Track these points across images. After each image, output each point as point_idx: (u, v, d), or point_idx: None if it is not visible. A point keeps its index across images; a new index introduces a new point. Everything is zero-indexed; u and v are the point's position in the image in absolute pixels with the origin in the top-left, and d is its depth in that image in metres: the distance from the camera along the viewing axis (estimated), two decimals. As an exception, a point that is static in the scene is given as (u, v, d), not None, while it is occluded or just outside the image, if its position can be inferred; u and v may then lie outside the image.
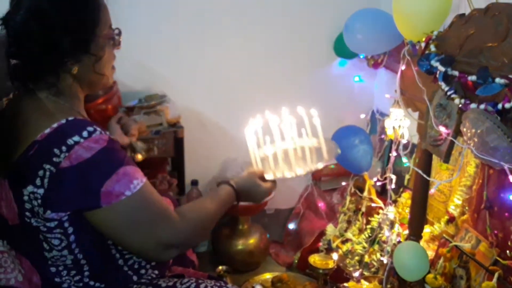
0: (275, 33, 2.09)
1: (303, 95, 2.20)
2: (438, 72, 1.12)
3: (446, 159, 1.12)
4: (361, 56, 2.09)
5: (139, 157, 1.48)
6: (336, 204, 2.20)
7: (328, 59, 2.19)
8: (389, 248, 1.65)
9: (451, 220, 1.62)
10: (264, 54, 2.10)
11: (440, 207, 1.73)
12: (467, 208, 1.55)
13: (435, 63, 1.13)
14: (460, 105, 1.04)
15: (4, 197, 1.07)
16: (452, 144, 1.11)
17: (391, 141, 2.08)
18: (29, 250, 1.09)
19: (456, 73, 1.06)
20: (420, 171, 1.28)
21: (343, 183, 2.09)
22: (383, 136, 2.15)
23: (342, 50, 2.08)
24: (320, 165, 1.45)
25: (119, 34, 1.16)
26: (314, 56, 2.17)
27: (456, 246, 1.43)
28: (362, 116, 2.24)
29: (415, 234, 1.50)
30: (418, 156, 1.45)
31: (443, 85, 1.09)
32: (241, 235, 2.08)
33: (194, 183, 2.07)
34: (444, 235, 1.52)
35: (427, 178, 1.23)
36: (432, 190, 1.16)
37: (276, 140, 1.50)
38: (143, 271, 1.16)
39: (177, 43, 1.98)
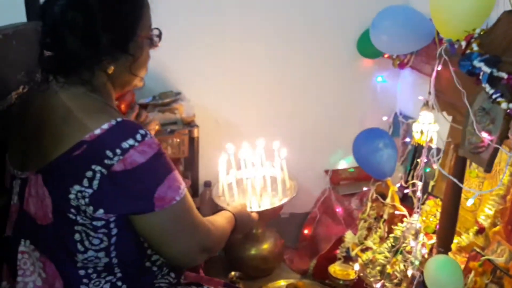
0: (296, 31, 2.00)
1: (323, 95, 2.14)
2: (481, 74, 1.03)
3: (488, 168, 1.03)
4: (386, 56, 2.00)
5: None
6: (354, 209, 2.11)
7: (350, 58, 2.10)
8: (413, 259, 1.56)
9: (481, 231, 1.53)
10: (284, 52, 2.01)
11: (468, 216, 1.64)
12: (499, 219, 1.46)
13: (478, 64, 1.04)
14: (508, 110, 0.95)
15: (34, 194, 1.02)
16: (495, 151, 1.02)
17: (415, 146, 2.00)
18: (57, 252, 1.04)
19: (503, 74, 0.98)
20: (455, 180, 1.19)
21: (364, 188, 2.00)
22: (406, 140, 2.06)
23: (366, 48, 2.00)
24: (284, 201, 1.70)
25: (159, 35, 1.12)
26: (336, 55, 2.08)
27: (488, 260, 1.34)
28: (384, 118, 2.15)
29: (444, 245, 1.41)
30: (452, 163, 1.36)
31: (487, 87, 1.00)
32: (254, 239, 2.00)
33: (208, 184, 2.00)
34: (475, 247, 1.42)
35: (464, 188, 1.14)
36: (470, 202, 1.07)
37: (244, 168, 1.74)
38: (165, 272, 1.16)
39: (193, 39, 1.90)
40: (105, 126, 0.96)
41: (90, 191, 0.96)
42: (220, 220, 1.28)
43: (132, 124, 1.00)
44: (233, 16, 1.91)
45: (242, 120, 2.06)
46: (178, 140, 1.72)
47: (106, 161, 0.94)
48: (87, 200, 0.96)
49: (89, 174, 0.95)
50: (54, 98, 1.03)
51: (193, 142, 1.76)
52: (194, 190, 1.84)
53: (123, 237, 1.03)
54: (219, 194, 1.82)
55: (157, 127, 1.65)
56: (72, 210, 0.99)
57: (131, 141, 0.96)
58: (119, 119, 0.98)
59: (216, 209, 2.06)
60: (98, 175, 0.95)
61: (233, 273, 1.83)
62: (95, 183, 0.95)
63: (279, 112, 2.09)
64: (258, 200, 1.75)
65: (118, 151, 0.95)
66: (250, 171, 1.79)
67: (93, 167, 0.95)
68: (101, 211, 0.98)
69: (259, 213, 1.62)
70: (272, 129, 2.11)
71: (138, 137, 0.97)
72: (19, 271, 1.04)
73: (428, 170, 1.62)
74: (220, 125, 2.03)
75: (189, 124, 1.77)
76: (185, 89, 1.88)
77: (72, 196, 0.97)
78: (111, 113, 1.01)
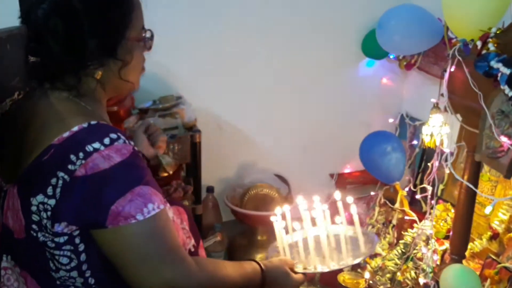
0: (299, 33, 1.95)
1: (327, 96, 2.08)
2: (500, 75, 0.98)
3: (508, 174, 0.99)
4: (391, 56, 1.95)
5: (163, 173, 1.35)
6: (361, 214, 2.06)
7: (355, 59, 2.05)
8: (425, 266, 1.50)
9: (495, 236, 1.48)
10: (287, 55, 1.96)
11: (480, 221, 1.59)
12: (515, 224, 1.41)
13: (495, 64, 0.99)
14: (530, 113, 0.90)
15: (11, 207, 0.96)
16: (516, 157, 0.97)
17: (423, 149, 1.95)
18: (35, 268, 0.97)
19: (524, 75, 0.93)
20: (470, 185, 1.14)
21: (372, 193, 1.95)
22: (414, 142, 2.01)
23: (371, 49, 1.94)
24: (357, 261, 1.31)
25: (152, 37, 1.05)
26: (341, 56, 2.03)
27: (505, 267, 1.29)
28: (391, 120, 2.10)
29: (458, 253, 1.37)
30: (463, 166, 1.31)
31: (507, 89, 0.96)
32: (259, 246, 1.95)
33: (210, 190, 1.95)
34: (490, 254, 1.37)
35: (481, 194, 1.09)
36: (488, 209, 1.02)
37: (306, 226, 1.37)
38: None
39: (194, 42, 1.84)
40: (75, 128, 0.88)
41: (53, 202, 0.87)
42: (226, 268, 1.06)
43: (104, 128, 0.91)
44: (235, 19, 1.86)
45: (244, 124, 2.01)
46: (179, 145, 1.67)
47: (69, 166, 0.86)
48: (49, 213, 0.88)
49: (53, 181, 0.87)
50: (37, 105, 0.98)
51: (195, 148, 1.70)
52: (196, 196, 1.78)
53: (93, 254, 0.92)
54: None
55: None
56: (34, 226, 0.91)
57: (96, 144, 0.87)
58: (92, 122, 0.90)
59: (220, 215, 2.03)
60: (60, 182, 0.86)
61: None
62: (58, 191, 0.87)
63: (282, 115, 2.03)
64: (320, 260, 1.33)
65: (81, 154, 0.86)
66: (309, 229, 1.39)
67: (58, 173, 0.86)
68: (61, 224, 0.88)
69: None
70: (275, 132, 2.06)
71: (106, 140, 0.87)
72: (3, 287, 0.98)
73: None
74: (222, 129, 1.98)
75: (191, 129, 1.71)
76: (186, 93, 1.82)
77: (34, 208, 0.89)
78: (89, 116, 0.92)
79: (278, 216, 1.38)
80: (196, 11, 1.81)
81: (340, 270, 1.68)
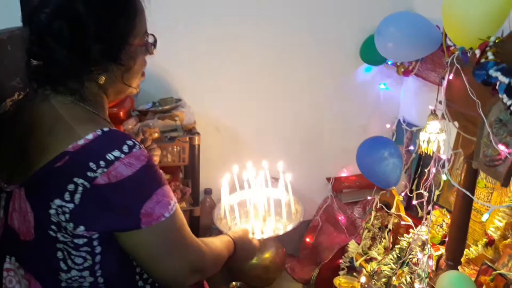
0: (298, 39, 1.96)
1: (325, 101, 2.09)
2: (498, 83, 0.99)
3: (506, 182, 1.00)
4: (389, 63, 1.96)
5: None
6: (357, 218, 2.07)
7: (353, 65, 2.06)
8: (420, 272, 1.51)
9: (491, 243, 1.49)
10: (286, 60, 1.97)
11: (476, 227, 1.60)
12: (510, 231, 1.42)
13: (494, 73, 1.00)
14: (528, 122, 0.91)
15: (18, 208, 0.96)
16: (513, 165, 0.98)
17: (419, 155, 1.96)
18: (41, 269, 0.98)
19: (522, 85, 0.94)
20: (467, 192, 1.15)
21: (368, 197, 1.96)
22: (410, 148, 2.03)
23: (369, 55, 1.96)
24: (290, 227, 1.59)
25: (155, 42, 1.06)
26: (339, 61, 2.04)
27: (500, 274, 1.30)
28: (388, 126, 2.11)
29: (454, 259, 1.37)
30: (459, 172, 1.32)
31: (505, 98, 0.96)
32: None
33: (208, 192, 1.95)
34: (486, 261, 1.38)
35: (478, 202, 1.10)
36: (485, 217, 1.03)
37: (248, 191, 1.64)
38: None
39: (194, 45, 1.85)
40: (90, 136, 0.90)
41: (71, 206, 0.89)
42: (217, 243, 1.20)
43: (119, 134, 0.93)
44: (234, 23, 1.87)
45: (243, 127, 2.02)
46: (178, 147, 1.67)
47: (89, 174, 0.88)
48: (67, 216, 0.90)
49: (71, 187, 0.88)
50: (40, 107, 0.98)
51: (193, 150, 1.70)
52: (194, 198, 1.79)
53: (108, 256, 0.96)
54: (220, 216, 1.71)
55: (156, 135, 1.60)
56: (53, 227, 0.92)
57: (116, 153, 0.89)
58: (105, 129, 0.92)
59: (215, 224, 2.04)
60: (80, 188, 0.88)
61: (234, 283, 1.80)
62: (77, 197, 0.89)
63: (280, 119, 2.04)
64: (262, 225, 1.61)
65: (102, 163, 0.88)
66: (254, 193, 1.68)
67: (75, 180, 0.88)
68: (82, 228, 0.91)
69: (261, 240, 1.53)
70: (273, 136, 2.07)
71: (125, 148, 0.90)
72: None
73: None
74: (221, 132, 1.99)
75: (190, 131, 1.72)
76: (185, 95, 1.83)
77: (52, 211, 0.90)
78: (98, 123, 0.94)
79: (225, 181, 1.65)
80: (195, 14, 1.82)
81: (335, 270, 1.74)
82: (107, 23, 0.93)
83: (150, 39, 1.05)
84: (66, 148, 0.89)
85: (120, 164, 0.89)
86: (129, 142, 0.91)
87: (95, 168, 0.88)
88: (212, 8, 1.83)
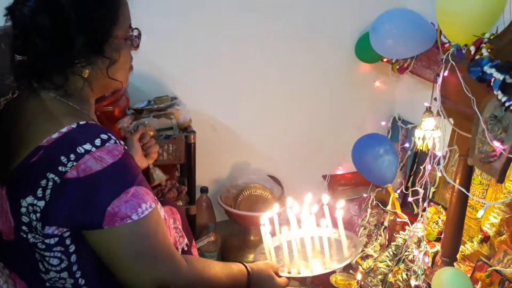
0: (293, 36, 1.96)
1: (321, 99, 2.09)
2: (493, 80, 0.99)
3: (501, 179, 1.00)
4: (385, 60, 1.96)
5: (154, 184, 1.39)
6: (353, 215, 2.07)
7: (348, 62, 2.06)
8: (416, 268, 1.52)
9: (486, 239, 1.50)
10: (281, 57, 1.97)
11: (471, 224, 1.61)
12: (505, 228, 1.43)
13: (489, 70, 1.00)
14: (522, 118, 0.92)
15: (0, 208, 0.94)
16: (508, 161, 0.98)
17: (415, 152, 1.97)
18: (25, 270, 0.96)
19: (517, 81, 0.94)
20: (463, 189, 1.15)
21: (364, 195, 1.96)
22: (406, 145, 2.03)
23: (364, 53, 1.96)
24: (340, 266, 1.35)
25: (139, 35, 1.04)
26: (334, 58, 2.04)
27: (496, 270, 1.31)
28: (383, 123, 2.11)
29: (449, 255, 1.38)
30: (455, 169, 1.32)
31: (500, 94, 0.97)
32: (252, 246, 1.94)
33: (204, 190, 1.95)
34: (481, 257, 1.39)
35: (474, 198, 1.11)
36: (480, 213, 1.04)
37: (293, 229, 1.41)
38: None
39: (189, 43, 1.84)
40: (64, 129, 0.88)
41: (42, 203, 0.87)
42: (216, 268, 1.09)
43: (94, 128, 0.90)
44: (230, 20, 1.86)
45: (238, 125, 2.02)
46: (174, 146, 1.66)
47: (60, 168, 0.85)
48: (38, 215, 0.87)
49: (43, 183, 0.86)
50: (23, 104, 0.97)
51: (189, 148, 1.69)
52: (190, 197, 1.78)
53: (84, 254, 0.93)
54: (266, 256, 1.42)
55: (151, 133, 1.59)
56: (24, 228, 0.90)
57: (87, 146, 0.86)
58: (81, 122, 0.89)
59: (213, 215, 2.03)
60: (50, 183, 0.86)
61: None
62: (48, 192, 0.86)
63: (276, 116, 2.04)
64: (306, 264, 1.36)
65: (72, 156, 0.85)
66: (295, 232, 1.43)
67: (47, 175, 0.85)
68: (52, 227, 0.88)
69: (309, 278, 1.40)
70: (269, 134, 2.07)
71: (97, 142, 0.87)
72: None
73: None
74: (216, 130, 1.98)
75: (186, 129, 1.71)
76: (181, 93, 1.82)
77: (23, 209, 0.88)
78: (77, 117, 0.92)
79: (265, 220, 1.40)
80: (191, 12, 1.81)
81: (331, 273, 1.70)
82: (89, 14, 0.92)
83: (135, 33, 1.03)
84: (41, 142, 0.87)
85: (89, 158, 0.86)
86: (103, 136, 0.88)
87: (65, 162, 0.85)
88: (209, 6, 1.82)
